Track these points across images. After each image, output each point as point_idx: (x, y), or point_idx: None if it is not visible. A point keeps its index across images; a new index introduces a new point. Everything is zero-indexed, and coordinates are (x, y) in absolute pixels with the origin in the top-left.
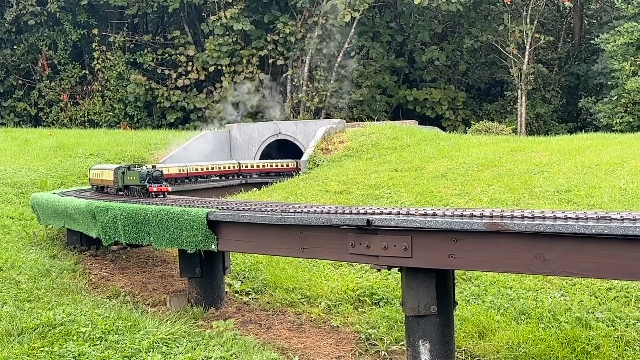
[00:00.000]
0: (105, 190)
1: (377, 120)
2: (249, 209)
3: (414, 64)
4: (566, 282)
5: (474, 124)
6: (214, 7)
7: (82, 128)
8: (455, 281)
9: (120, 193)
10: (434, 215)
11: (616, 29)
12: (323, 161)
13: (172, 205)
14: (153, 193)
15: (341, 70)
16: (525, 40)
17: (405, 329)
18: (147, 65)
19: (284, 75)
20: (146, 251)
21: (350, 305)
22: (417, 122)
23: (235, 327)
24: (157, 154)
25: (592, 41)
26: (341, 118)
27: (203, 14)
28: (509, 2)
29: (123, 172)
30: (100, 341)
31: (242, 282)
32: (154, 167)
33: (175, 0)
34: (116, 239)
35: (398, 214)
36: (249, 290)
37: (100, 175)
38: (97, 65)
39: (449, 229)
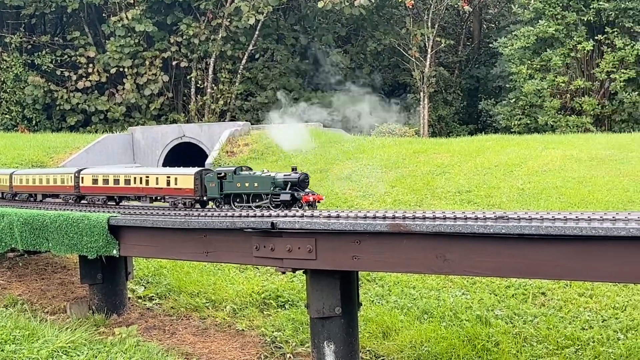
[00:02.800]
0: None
1: (282, 122)
2: (152, 213)
3: (319, 67)
4: (467, 281)
5: (377, 126)
6: (115, 8)
7: None
8: (360, 282)
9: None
10: (338, 217)
11: (513, 33)
12: (228, 164)
13: (71, 210)
14: (306, 204)
15: (246, 72)
16: (426, 43)
17: (310, 331)
18: (45, 67)
19: (188, 77)
20: (45, 258)
21: (255, 309)
22: (322, 124)
23: (139, 334)
24: (57, 157)
25: (490, 45)
26: (246, 120)
27: (104, 14)
28: (410, 6)
29: (222, 176)
30: None
31: (145, 288)
32: (294, 169)
33: (74, 1)
34: (12, 246)
35: (302, 216)
36: (153, 296)
37: None
38: None
39: (353, 231)
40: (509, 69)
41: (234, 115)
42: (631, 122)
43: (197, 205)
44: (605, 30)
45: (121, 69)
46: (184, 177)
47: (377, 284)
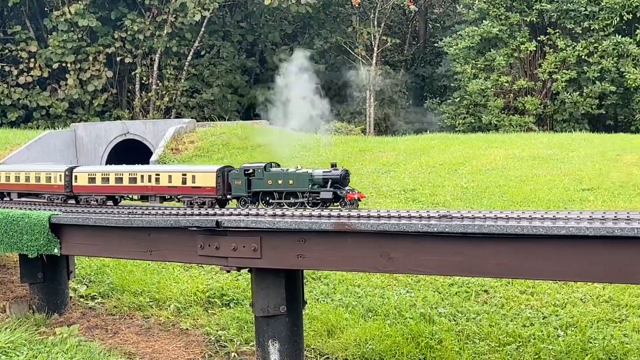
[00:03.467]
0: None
1: (228, 119)
2: (95, 211)
3: (265, 64)
4: (411, 279)
5: (324, 124)
6: (57, 2)
7: None
8: (305, 280)
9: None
10: (283, 215)
11: (458, 33)
12: (173, 161)
13: (11, 208)
14: (350, 202)
15: (192, 69)
16: (373, 42)
17: (255, 329)
18: None
19: (133, 73)
20: None
21: (200, 307)
22: (268, 122)
23: (80, 333)
24: None
25: (436, 44)
26: (192, 117)
27: (46, 8)
28: (357, 5)
29: (250, 173)
30: None
31: (87, 287)
32: (334, 165)
33: None
34: None
35: (247, 215)
36: (95, 295)
37: None
38: None
39: (298, 230)
40: (454, 68)
41: (179, 112)
42: (572, 122)
43: (216, 205)
44: (548, 31)
45: (64, 64)
46: (204, 174)
47: (322, 282)
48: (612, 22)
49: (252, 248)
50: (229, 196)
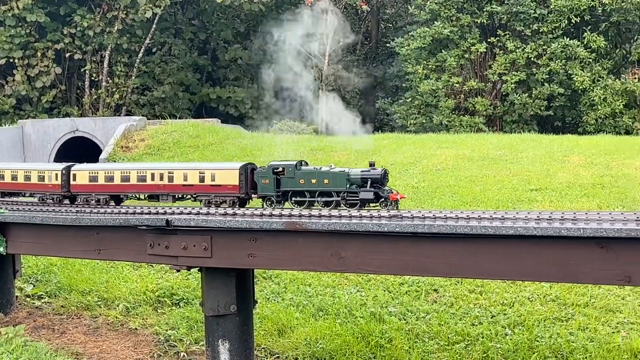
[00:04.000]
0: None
1: (179, 118)
2: (42, 209)
3: (217, 62)
4: (362, 279)
5: (276, 123)
6: None
7: None
8: (256, 280)
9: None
10: (234, 215)
11: (410, 33)
12: (123, 159)
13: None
14: (392, 202)
15: (143, 66)
16: (325, 42)
17: (205, 329)
18: None
19: (82, 70)
20: None
21: (149, 307)
22: (219, 121)
23: (26, 333)
24: None
25: (388, 45)
26: (143, 115)
27: None
28: (309, 4)
29: (279, 171)
30: None
31: (34, 286)
32: (372, 164)
33: None
34: None
35: (198, 213)
36: (42, 294)
37: None
38: None
39: (249, 229)
40: (406, 68)
41: (130, 110)
42: (521, 123)
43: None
44: (498, 33)
45: (11, 60)
46: (226, 172)
47: (273, 281)
48: (560, 25)
49: (202, 247)
50: (253, 195)
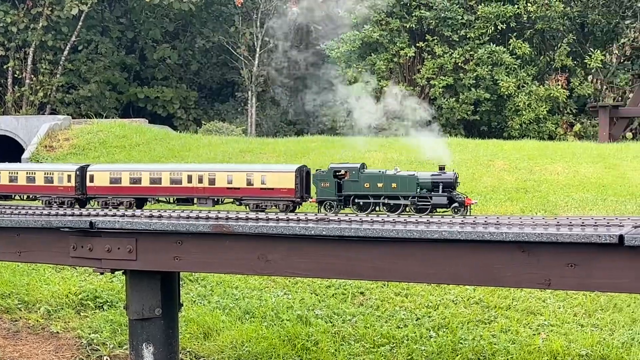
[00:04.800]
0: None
1: (106, 117)
2: None
3: (145, 62)
4: (289, 281)
5: (204, 124)
6: None
7: None
8: (182, 282)
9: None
10: (160, 217)
11: (340, 36)
12: (47, 159)
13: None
14: (468, 207)
15: (68, 64)
16: (255, 43)
17: (129, 332)
18: None
19: (5, 67)
20: None
21: (72, 310)
22: (147, 121)
23: None
24: None
25: (318, 47)
26: (68, 114)
27: None
28: (240, 5)
29: (341, 175)
30: None
31: None
32: (442, 168)
33: None
34: None
35: (123, 215)
36: None
37: None
38: None
39: (175, 231)
40: (336, 71)
41: (54, 108)
42: (448, 127)
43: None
44: (426, 37)
45: None
46: (280, 174)
47: (199, 284)
48: (487, 31)
49: (127, 249)
50: (310, 200)
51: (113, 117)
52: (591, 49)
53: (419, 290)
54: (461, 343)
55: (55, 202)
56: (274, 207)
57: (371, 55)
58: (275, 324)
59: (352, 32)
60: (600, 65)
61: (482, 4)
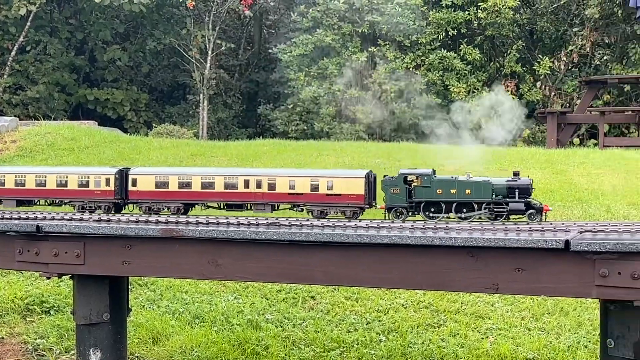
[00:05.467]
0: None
1: (54, 119)
2: None
3: (95, 63)
4: (240, 286)
5: (155, 127)
6: None
7: None
8: (131, 287)
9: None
10: (109, 221)
11: (292, 40)
12: None
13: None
14: (544, 214)
15: (16, 65)
16: (207, 45)
17: (76, 337)
18: None
19: None
20: None
21: (17, 315)
22: (97, 123)
23: None
24: None
25: (270, 50)
26: (15, 116)
27: None
28: (191, 7)
29: (412, 180)
30: None
31: None
32: (516, 173)
33: None
34: None
35: (71, 219)
36: None
37: None
38: None
39: (124, 235)
40: (288, 75)
41: (1, 110)
42: (400, 132)
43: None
44: (378, 42)
45: None
46: (348, 180)
47: (148, 288)
48: (438, 37)
49: (74, 254)
50: (379, 207)
51: (62, 119)
52: (540, 56)
53: (369, 294)
54: (411, 347)
55: (90, 207)
56: (339, 213)
57: (323, 60)
58: (225, 329)
59: (305, 35)
60: (549, 72)
61: (434, 10)
